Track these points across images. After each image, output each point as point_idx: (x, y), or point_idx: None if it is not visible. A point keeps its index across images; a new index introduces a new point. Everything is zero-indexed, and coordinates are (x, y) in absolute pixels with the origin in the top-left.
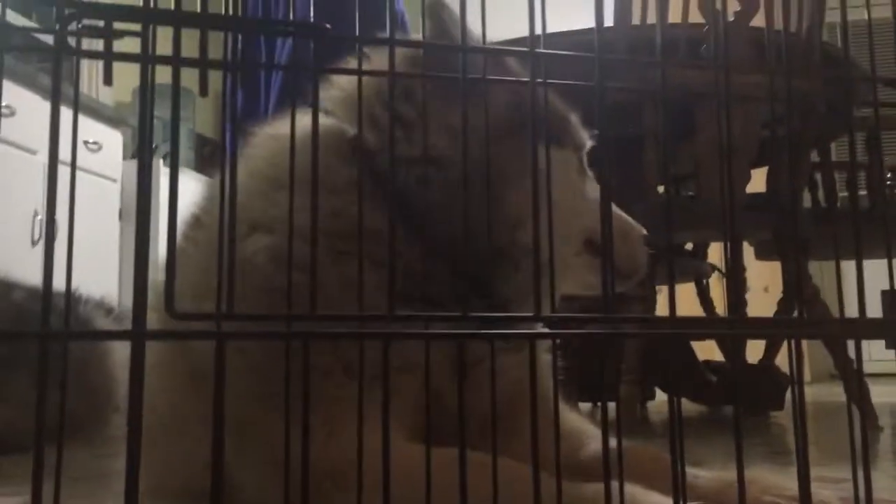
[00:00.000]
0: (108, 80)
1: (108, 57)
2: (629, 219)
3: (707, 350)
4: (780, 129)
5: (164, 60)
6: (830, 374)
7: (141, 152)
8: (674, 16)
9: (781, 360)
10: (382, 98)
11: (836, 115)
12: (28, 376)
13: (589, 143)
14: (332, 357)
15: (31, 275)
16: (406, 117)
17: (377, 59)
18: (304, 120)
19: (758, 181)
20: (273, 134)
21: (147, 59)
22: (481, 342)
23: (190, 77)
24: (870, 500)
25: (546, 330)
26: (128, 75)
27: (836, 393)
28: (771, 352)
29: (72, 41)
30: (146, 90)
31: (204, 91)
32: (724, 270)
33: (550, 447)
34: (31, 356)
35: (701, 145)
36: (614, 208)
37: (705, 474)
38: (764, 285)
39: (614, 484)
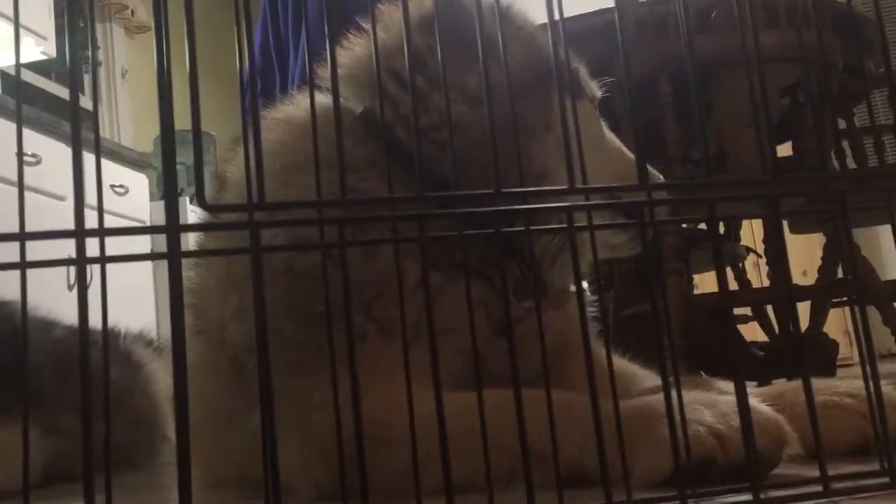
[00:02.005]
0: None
1: None
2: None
3: (749, 332)
4: (801, 93)
5: None
6: (881, 356)
7: (165, 126)
8: None
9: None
10: (391, 69)
11: (856, 75)
12: (75, 409)
13: (599, 94)
14: (365, 319)
15: (70, 317)
16: (419, 87)
17: (389, 18)
18: (306, 103)
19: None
20: (282, 118)
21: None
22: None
23: (208, 122)
24: None
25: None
26: (149, 125)
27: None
28: (818, 320)
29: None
30: (161, 36)
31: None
32: (759, 252)
33: (605, 383)
34: (75, 388)
35: (721, 117)
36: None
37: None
38: (802, 269)
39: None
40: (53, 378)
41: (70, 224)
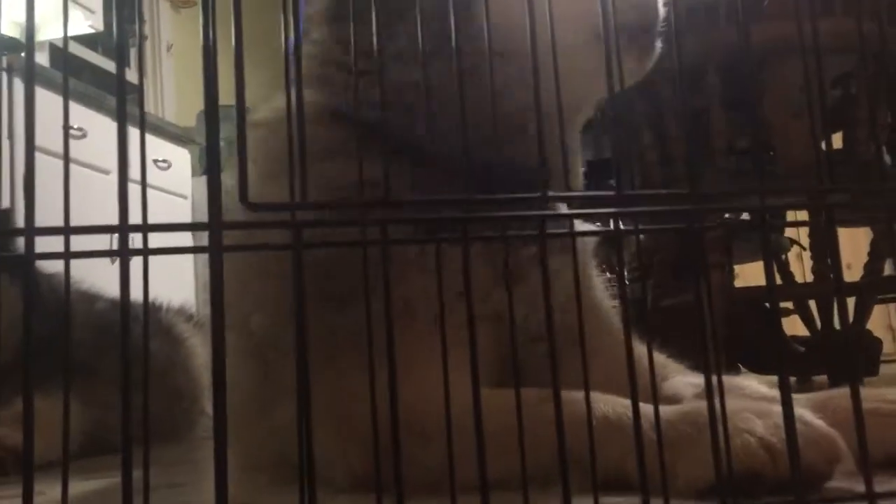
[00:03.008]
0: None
1: None
2: None
3: (789, 326)
4: (853, 83)
5: None
6: None
7: (209, 103)
8: None
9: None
10: (330, 56)
11: None
12: (115, 382)
13: None
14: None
15: (112, 289)
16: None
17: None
18: (282, 101)
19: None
20: (258, 120)
21: None
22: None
23: (253, 97)
24: None
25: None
26: (192, 100)
27: None
28: (861, 317)
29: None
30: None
31: None
32: (802, 244)
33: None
34: (115, 361)
35: (770, 108)
36: None
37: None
38: (846, 262)
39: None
40: (95, 351)
41: (114, 196)
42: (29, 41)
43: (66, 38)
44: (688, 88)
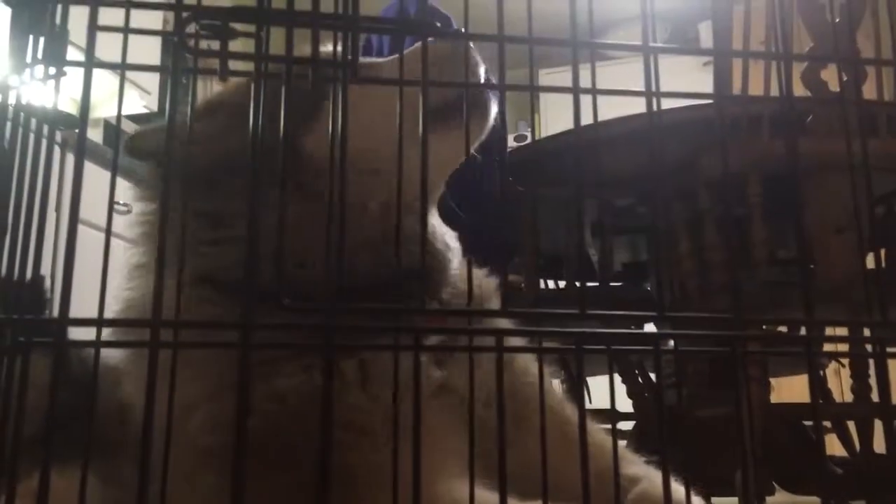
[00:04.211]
0: (223, 75)
1: (224, 55)
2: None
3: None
4: None
5: (278, 59)
6: None
7: (254, 151)
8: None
9: None
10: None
11: None
12: (132, 460)
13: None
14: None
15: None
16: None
17: None
18: None
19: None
20: None
21: (261, 58)
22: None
23: None
24: None
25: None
26: None
27: None
28: None
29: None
30: (259, 88)
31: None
32: (842, 361)
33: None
34: (136, 442)
35: (812, 221)
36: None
37: None
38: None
39: None
40: (118, 427)
41: None
42: (83, 119)
43: (119, 116)
44: (729, 198)
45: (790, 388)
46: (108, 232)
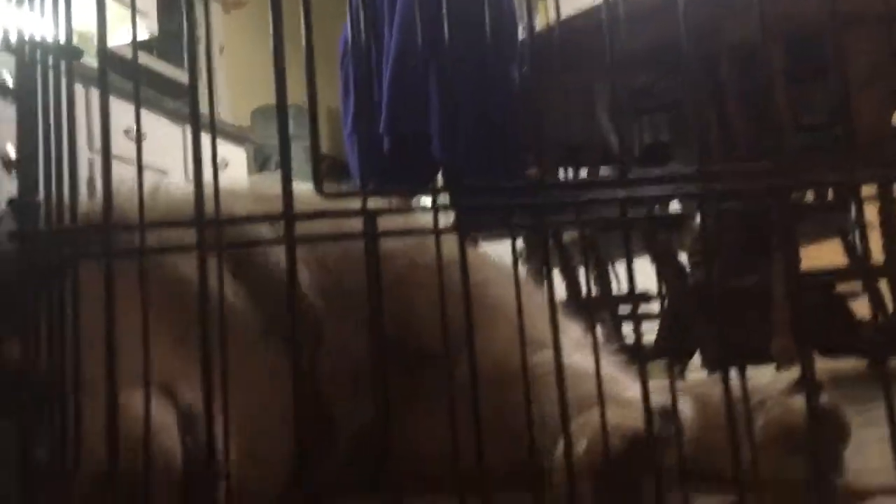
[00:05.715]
0: None
1: None
2: None
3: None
4: None
5: None
6: None
7: (280, 98)
8: None
9: None
10: None
11: None
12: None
13: None
14: None
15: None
16: None
17: None
18: None
19: None
20: None
21: None
22: None
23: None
24: None
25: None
26: (244, 99)
27: None
28: None
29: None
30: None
31: None
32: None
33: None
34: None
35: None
36: None
37: None
38: None
39: None
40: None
41: None
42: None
43: (135, 46)
44: (750, 64)
45: (820, 258)
46: (139, 150)
